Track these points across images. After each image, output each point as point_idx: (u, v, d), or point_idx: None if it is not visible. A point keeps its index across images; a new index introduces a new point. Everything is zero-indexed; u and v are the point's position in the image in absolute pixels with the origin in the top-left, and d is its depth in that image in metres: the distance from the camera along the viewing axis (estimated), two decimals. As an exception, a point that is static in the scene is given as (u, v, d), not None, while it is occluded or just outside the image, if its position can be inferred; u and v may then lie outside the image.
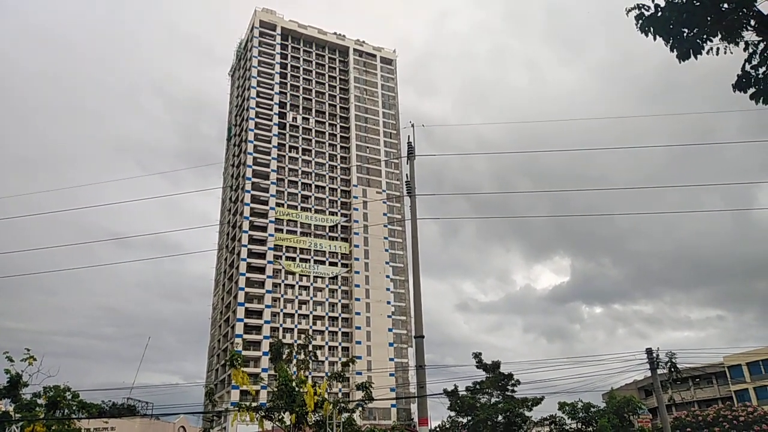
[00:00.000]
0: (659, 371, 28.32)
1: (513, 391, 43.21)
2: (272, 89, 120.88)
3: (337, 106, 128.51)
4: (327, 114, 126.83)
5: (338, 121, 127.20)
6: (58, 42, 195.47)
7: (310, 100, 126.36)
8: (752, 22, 6.57)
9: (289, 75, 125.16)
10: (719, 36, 6.69)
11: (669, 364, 28.29)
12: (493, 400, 43.72)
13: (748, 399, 65.76)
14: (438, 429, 46.47)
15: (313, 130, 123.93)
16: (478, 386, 43.98)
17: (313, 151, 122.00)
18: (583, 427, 36.60)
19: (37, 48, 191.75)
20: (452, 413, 45.01)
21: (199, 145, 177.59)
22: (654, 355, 28.04)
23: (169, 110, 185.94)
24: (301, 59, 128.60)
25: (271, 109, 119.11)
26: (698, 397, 75.24)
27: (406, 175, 23.01)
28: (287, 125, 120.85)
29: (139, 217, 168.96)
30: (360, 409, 43.35)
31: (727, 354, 68.93)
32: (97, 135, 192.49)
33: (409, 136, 23.29)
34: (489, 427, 41.98)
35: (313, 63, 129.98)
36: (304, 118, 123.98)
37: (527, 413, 42.22)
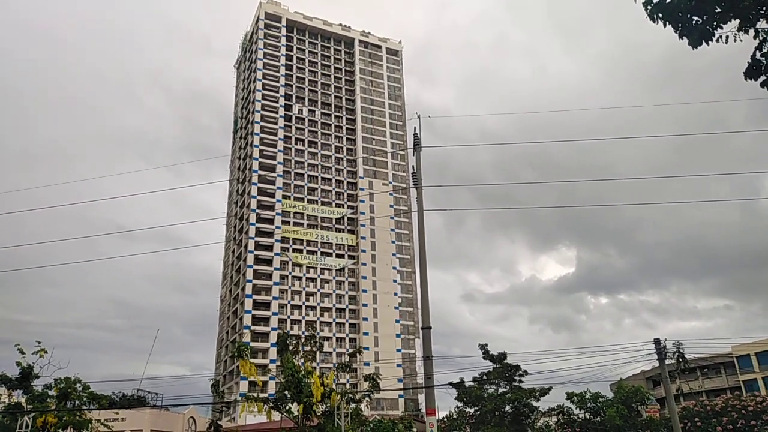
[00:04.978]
0: (667, 361, 28.28)
1: (520, 381, 43.28)
2: (278, 81, 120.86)
3: (343, 98, 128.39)
4: (333, 106, 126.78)
5: (344, 113, 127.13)
6: (55, 35, 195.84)
7: (316, 92, 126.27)
8: (763, 10, 6.53)
9: (294, 67, 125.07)
10: (730, 23, 6.66)
11: (677, 354, 28.24)
12: (500, 390, 43.85)
13: (756, 389, 65.58)
14: (445, 419, 46.66)
15: (319, 122, 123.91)
16: (485, 377, 44.08)
17: (320, 143, 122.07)
18: (591, 417, 36.64)
19: (34, 42, 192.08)
20: (459, 404, 45.20)
21: (201, 138, 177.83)
22: (662, 345, 28.00)
23: (171, 103, 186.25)
24: (307, 51, 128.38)
25: (277, 102, 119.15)
26: (706, 387, 75.12)
27: (413, 166, 22.96)
28: (293, 117, 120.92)
29: (142, 210, 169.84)
30: (367, 399, 43.60)
31: (736, 344, 68.64)
32: (98, 128, 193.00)
33: (415, 128, 23.23)
34: (496, 417, 42.11)
35: (319, 55, 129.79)
36: (310, 110, 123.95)
37: (535, 403, 42.31)
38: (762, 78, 6.70)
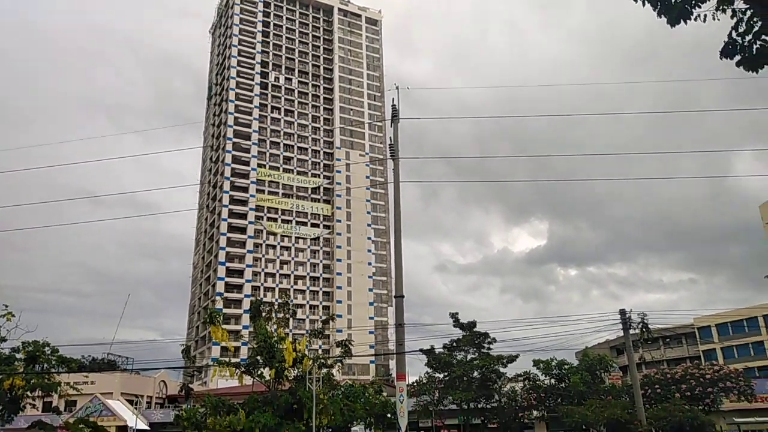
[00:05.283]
0: (631, 331, 29.30)
1: (489, 348, 44.35)
2: (254, 48, 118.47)
3: (321, 67, 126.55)
4: (310, 75, 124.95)
5: (322, 82, 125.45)
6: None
7: (293, 60, 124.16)
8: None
9: (271, 34, 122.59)
10: (708, 2, 6.83)
11: (641, 324, 29.22)
12: (469, 357, 44.91)
13: (715, 358, 68.68)
14: (415, 384, 47.65)
15: (296, 91, 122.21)
16: (454, 344, 45.02)
17: (296, 112, 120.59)
18: (556, 383, 37.92)
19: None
20: (429, 369, 46.18)
21: (173, 104, 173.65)
22: (627, 315, 28.94)
23: (143, 66, 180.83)
24: (284, 18, 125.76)
25: (252, 69, 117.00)
26: (668, 357, 78.34)
27: (390, 138, 23.01)
28: (269, 85, 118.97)
29: (112, 176, 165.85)
30: (339, 364, 44.33)
31: (698, 316, 71.43)
32: (67, 91, 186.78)
33: (393, 99, 23.22)
34: (465, 383, 43.19)
35: (297, 22, 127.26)
36: (286, 78, 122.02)
37: (502, 369, 43.50)
38: (737, 57, 6.88)
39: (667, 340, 78.74)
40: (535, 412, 41.50)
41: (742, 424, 30.07)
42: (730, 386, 35.26)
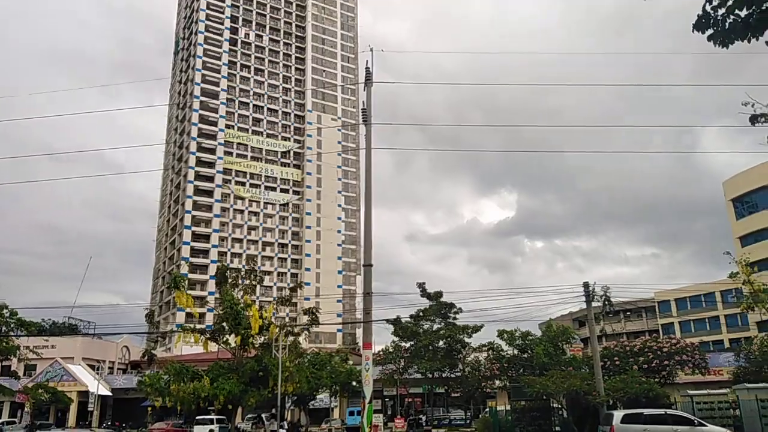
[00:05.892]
0: (594, 304, 29.66)
1: (454, 318, 44.86)
2: (224, 1, 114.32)
3: (293, 24, 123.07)
4: (282, 32, 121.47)
5: (294, 40, 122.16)
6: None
7: (265, 15, 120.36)
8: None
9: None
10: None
11: (603, 297, 29.56)
12: (435, 326, 45.34)
13: (672, 332, 71.09)
14: (381, 353, 48.07)
15: (267, 49, 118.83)
16: (421, 314, 45.34)
17: (266, 72, 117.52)
18: (519, 353, 38.56)
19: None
20: (396, 338, 46.56)
21: (137, 57, 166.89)
22: (590, 288, 29.24)
23: (105, 16, 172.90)
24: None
25: (222, 23, 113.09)
26: (628, 329, 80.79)
27: (363, 102, 22.29)
28: (239, 42, 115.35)
29: (74, 132, 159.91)
30: (306, 332, 44.35)
31: (659, 290, 73.34)
32: (25, 41, 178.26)
33: (367, 61, 22.42)
34: (430, 352, 43.75)
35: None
36: (257, 35, 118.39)
37: (467, 339, 44.15)
38: (709, 31, 6.58)
39: (628, 313, 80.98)
40: (497, 382, 42.26)
41: (695, 396, 30.97)
42: (685, 359, 36.34)
